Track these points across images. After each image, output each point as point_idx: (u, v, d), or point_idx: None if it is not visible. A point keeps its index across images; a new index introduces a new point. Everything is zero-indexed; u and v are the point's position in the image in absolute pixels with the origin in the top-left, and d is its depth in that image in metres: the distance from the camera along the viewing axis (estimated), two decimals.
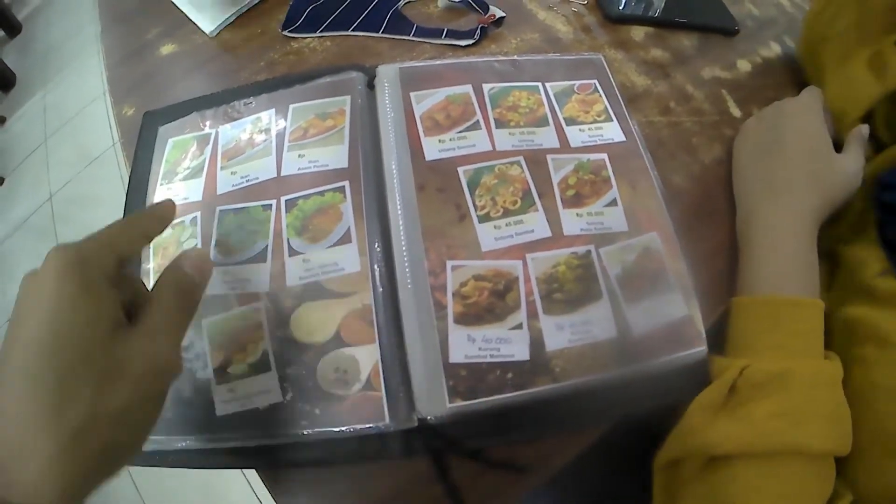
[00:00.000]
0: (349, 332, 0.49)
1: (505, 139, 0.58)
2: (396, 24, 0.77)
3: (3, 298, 2.43)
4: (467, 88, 0.62)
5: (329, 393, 0.47)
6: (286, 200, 0.56)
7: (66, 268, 0.34)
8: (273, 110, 0.63)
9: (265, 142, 0.61)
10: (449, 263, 0.50)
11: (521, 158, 0.56)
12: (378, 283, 0.50)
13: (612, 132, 0.60)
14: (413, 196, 0.54)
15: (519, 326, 0.48)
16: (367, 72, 0.64)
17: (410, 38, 0.75)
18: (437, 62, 0.65)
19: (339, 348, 0.48)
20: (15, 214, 2.68)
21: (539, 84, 0.63)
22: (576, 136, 0.59)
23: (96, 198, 2.54)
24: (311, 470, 0.48)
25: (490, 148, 0.57)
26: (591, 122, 0.60)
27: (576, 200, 0.54)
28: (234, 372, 0.48)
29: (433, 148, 0.57)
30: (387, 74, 0.64)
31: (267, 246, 0.54)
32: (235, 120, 0.65)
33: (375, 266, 0.51)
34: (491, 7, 0.75)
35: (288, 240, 0.54)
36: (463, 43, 0.73)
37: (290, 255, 0.53)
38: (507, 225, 0.52)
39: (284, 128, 0.61)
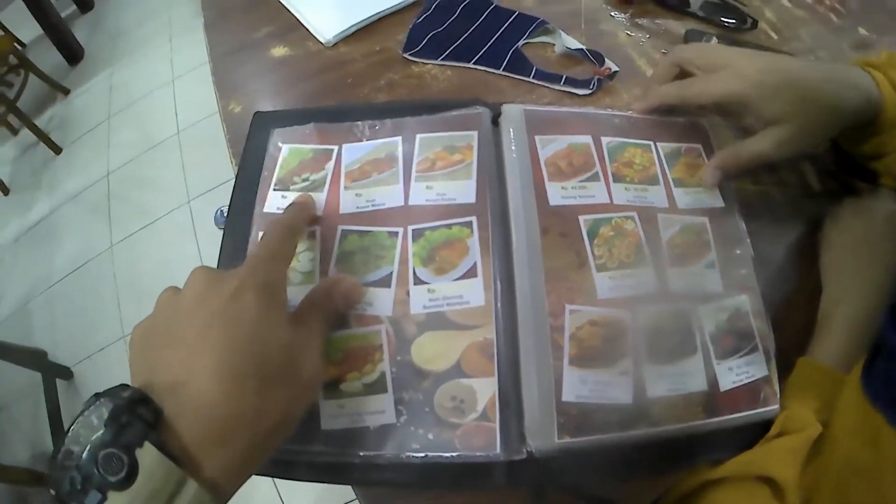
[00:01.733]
0: (469, 363, 0.50)
1: (621, 193, 0.59)
2: (516, 64, 0.77)
3: (50, 264, 2.48)
4: (587, 139, 0.62)
5: (444, 420, 0.48)
6: (413, 230, 0.56)
7: (261, 289, 0.39)
8: (400, 139, 0.63)
9: (393, 170, 0.61)
10: (568, 307, 0.51)
11: (634, 214, 0.57)
12: (500, 318, 0.51)
13: (714, 198, 0.60)
14: (537, 238, 0.54)
15: (626, 372, 0.50)
16: (492, 108, 0.64)
17: (530, 79, 0.75)
18: (561, 109, 0.65)
19: (458, 378, 0.49)
20: (70, 186, 2.71)
21: (651, 143, 0.63)
22: (682, 197, 0.60)
23: (154, 182, 2.56)
24: (410, 492, 0.51)
25: (608, 200, 0.58)
26: (696, 186, 0.61)
27: (680, 260, 0.55)
28: (346, 389, 0.49)
29: (556, 194, 0.57)
30: (512, 114, 0.63)
31: (392, 273, 0.54)
32: (360, 141, 0.64)
33: (498, 302, 0.51)
34: (606, 60, 0.75)
35: (414, 269, 0.54)
36: (580, 92, 0.73)
37: (415, 284, 0.53)
38: (621, 276, 0.53)
39: (412, 157, 0.61)
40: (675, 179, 0.61)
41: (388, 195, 0.59)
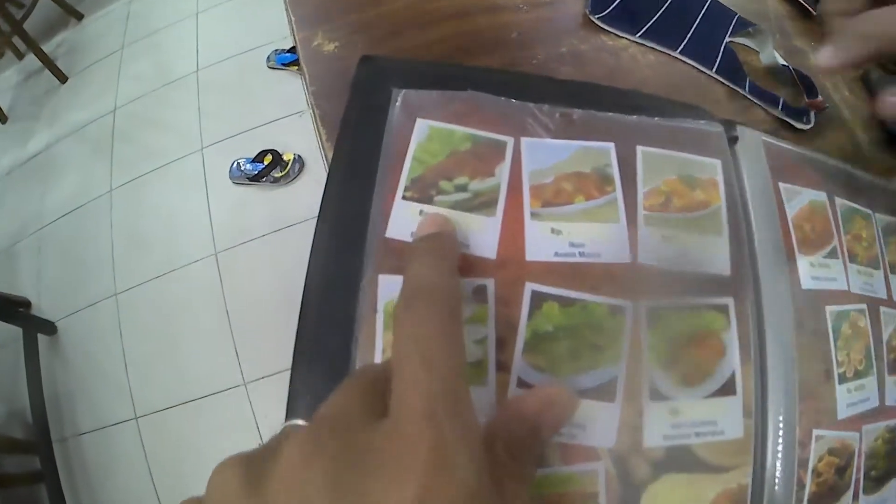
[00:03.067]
0: None
1: (855, 279, 0.46)
2: (730, 66, 0.58)
3: (41, 203, 2.23)
4: (823, 197, 0.47)
5: None
6: (648, 308, 0.36)
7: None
8: (612, 147, 0.41)
9: (608, 197, 0.39)
10: (815, 432, 0.40)
11: (864, 307, 0.45)
12: (759, 455, 0.37)
13: None
14: (791, 337, 0.40)
15: None
16: (725, 126, 0.45)
17: (746, 93, 0.57)
18: (795, 149, 0.48)
19: None
20: (72, 118, 2.43)
21: (871, 212, 0.49)
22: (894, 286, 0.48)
23: (165, 123, 2.28)
24: None
25: (846, 287, 0.45)
26: None
27: (894, 366, 0.45)
28: None
29: (806, 272, 0.43)
30: (751, 144, 0.46)
31: (617, 379, 0.34)
32: (545, 136, 0.40)
33: (760, 433, 0.37)
34: (819, 90, 0.58)
35: (652, 372, 0.35)
36: (798, 125, 0.56)
37: (652, 399, 0.35)
38: (856, 389, 0.43)
39: (634, 181, 0.41)
40: (891, 264, 0.49)
41: (605, 240, 0.38)
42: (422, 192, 0.36)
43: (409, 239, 0.35)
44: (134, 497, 1.63)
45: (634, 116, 0.42)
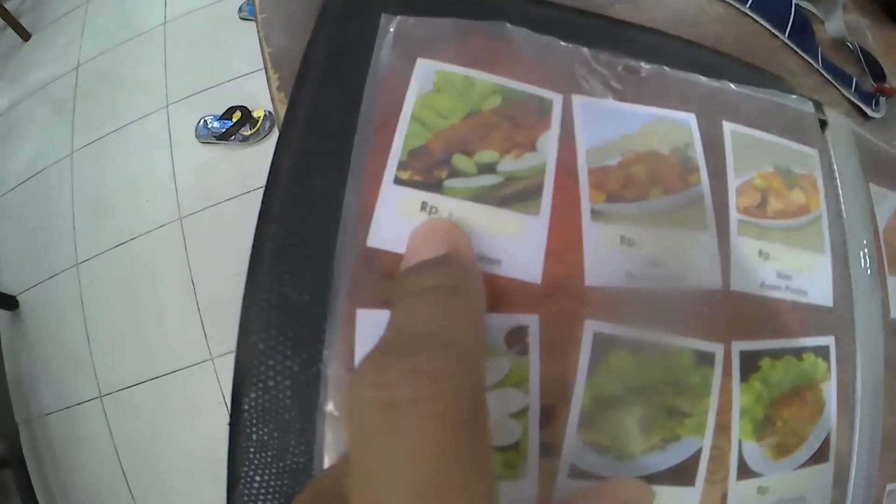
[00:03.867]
0: None
1: None
2: (802, 32, 0.47)
3: (2, 168, 2.09)
4: None
5: None
6: (742, 353, 0.26)
7: None
8: (693, 117, 0.29)
9: (694, 191, 0.27)
10: (888, 488, 0.32)
11: None
12: None
13: None
14: (880, 380, 0.31)
15: None
16: (816, 107, 0.35)
17: (819, 67, 0.47)
18: (880, 143, 0.39)
19: None
20: (34, 78, 2.28)
21: None
22: None
23: (129, 80, 2.13)
24: None
25: None
26: None
27: None
28: None
29: (895, 296, 0.34)
30: (840, 132, 0.36)
31: (700, 451, 0.24)
32: (610, 96, 0.27)
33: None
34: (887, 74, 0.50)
35: (741, 444, 0.25)
36: (870, 112, 0.48)
37: (738, 478, 0.25)
38: None
39: (724, 172, 0.29)
40: None
41: (689, 255, 0.26)
42: (425, 172, 0.23)
43: (405, 251, 0.22)
44: (101, 478, 1.55)
45: (716, 81, 0.31)
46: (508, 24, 0.27)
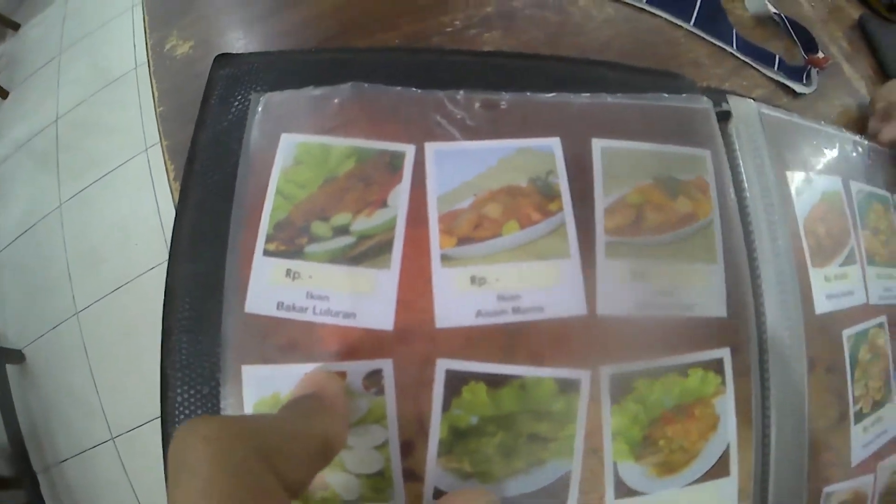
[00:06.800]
0: None
1: (874, 286, 0.37)
2: (712, 19, 0.46)
3: None
4: (838, 184, 0.37)
5: None
6: (612, 376, 0.26)
7: None
8: (557, 141, 0.29)
9: (555, 220, 0.27)
10: (825, 491, 0.32)
11: (884, 319, 0.36)
12: None
13: None
14: (803, 382, 0.31)
15: None
16: (712, 98, 0.34)
17: (733, 51, 0.46)
18: (803, 122, 0.38)
19: None
20: (16, 134, 2.31)
21: (889, 195, 0.41)
22: None
23: (107, 126, 2.16)
24: None
25: (864, 299, 0.36)
26: None
27: None
28: None
29: (820, 291, 0.33)
30: (749, 119, 0.35)
31: (569, 473, 0.25)
32: (464, 138, 0.28)
33: None
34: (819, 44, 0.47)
35: (616, 465, 0.26)
36: (798, 88, 0.45)
37: (617, 497, 0.26)
38: (872, 424, 0.35)
39: (591, 191, 0.28)
40: None
41: (550, 285, 0.27)
42: (288, 242, 0.25)
43: (276, 313, 0.24)
44: None
45: (586, 95, 0.30)
46: (363, 84, 0.28)
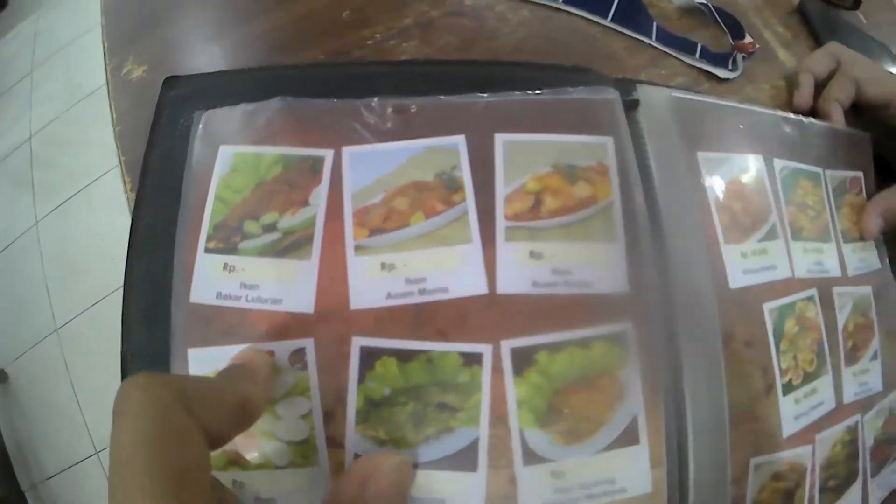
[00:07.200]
0: None
1: (800, 259, 0.39)
2: (631, 13, 0.48)
3: None
4: (759, 161, 0.39)
5: None
6: (513, 349, 0.28)
7: None
8: (462, 138, 0.32)
9: (456, 210, 0.30)
10: (752, 462, 0.33)
11: (814, 292, 0.38)
12: None
13: (873, 256, 0.43)
14: (718, 354, 0.32)
15: None
16: (619, 89, 0.36)
17: (653, 42, 0.48)
18: (721, 102, 0.40)
19: None
20: None
21: (820, 171, 0.42)
22: (851, 259, 0.42)
23: (82, 142, 2.16)
24: None
25: (789, 273, 0.37)
26: (860, 240, 0.43)
27: (853, 354, 0.40)
28: None
29: (736, 266, 0.35)
30: (657, 105, 0.37)
31: (476, 440, 0.28)
32: (378, 141, 0.32)
33: (679, 481, 0.30)
34: (746, 30, 0.50)
35: (522, 432, 0.28)
36: (721, 74, 0.48)
37: (525, 463, 0.28)
38: (805, 396, 0.36)
39: (492, 183, 0.32)
40: (843, 231, 0.43)
41: (453, 268, 0.30)
42: (226, 239, 0.29)
43: (215, 302, 0.28)
44: None
45: (492, 95, 0.33)
46: (286, 98, 0.32)
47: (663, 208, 0.34)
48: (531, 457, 0.28)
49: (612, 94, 0.34)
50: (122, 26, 0.44)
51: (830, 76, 0.48)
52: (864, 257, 0.43)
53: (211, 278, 0.28)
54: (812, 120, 0.44)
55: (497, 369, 0.28)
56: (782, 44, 0.53)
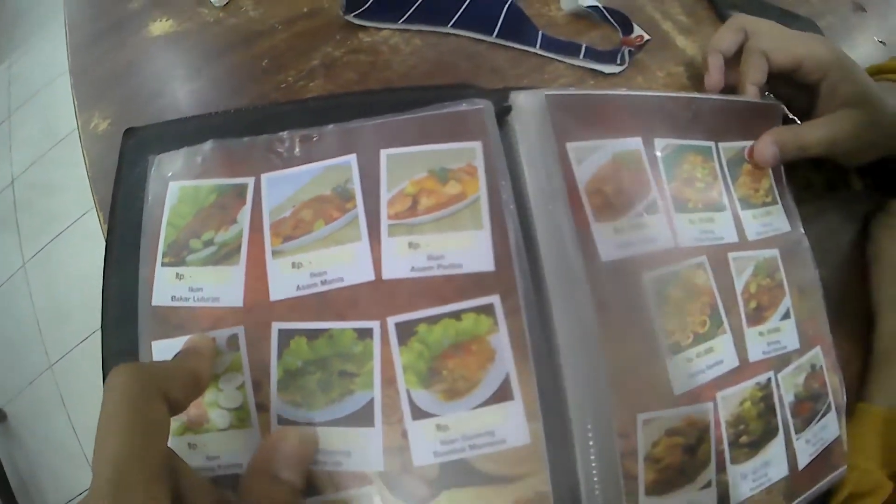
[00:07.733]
0: None
1: (686, 229, 0.41)
2: (515, 27, 0.53)
3: None
4: (637, 143, 0.42)
5: None
6: (396, 324, 0.35)
7: None
8: (354, 158, 0.39)
9: (348, 215, 0.37)
10: (640, 417, 0.36)
11: (704, 259, 0.41)
12: (555, 458, 0.34)
13: (780, 219, 0.46)
14: (592, 321, 0.36)
15: (708, 485, 0.37)
16: (493, 98, 0.40)
17: (537, 50, 0.52)
18: (595, 92, 0.43)
19: None
20: None
21: (712, 144, 0.45)
22: (751, 224, 0.44)
23: (61, 184, 2.21)
24: None
25: (672, 243, 0.40)
26: (762, 206, 0.46)
27: (757, 315, 0.42)
28: None
29: (609, 242, 0.38)
30: (528, 108, 0.40)
31: (372, 400, 0.34)
32: (288, 167, 0.39)
33: (557, 434, 0.34)
34: (636, 27, 0.55)
35: (409, 392, 0.34)
36: (607, 69, 0.52)
37: (414, 418, 0.33)
38: (697, 356, 0.38)
39: (377, 191, 0.38)
40: (741, 199, 0.45)
41: (346, 262, 0.37)
42: (176, 255, 0.37)
43: (171, 304, 0.36)
44: None
45: (382, 118, 0.40)
46: (216, 140, 0.40)
47: (532, 197, 0.39)
48: (418, 412, 0.33)
49: (483, 104, 0.39)
50: (88, 86, 0.52)
51: (741, 49, 0.50)
52: (769, 222, 0.45)
53: (167, 286, 0.36)
54: (706, 96, 0.48)
55: (385, 341, 0.34)
56: (681, 31, 0.57)
